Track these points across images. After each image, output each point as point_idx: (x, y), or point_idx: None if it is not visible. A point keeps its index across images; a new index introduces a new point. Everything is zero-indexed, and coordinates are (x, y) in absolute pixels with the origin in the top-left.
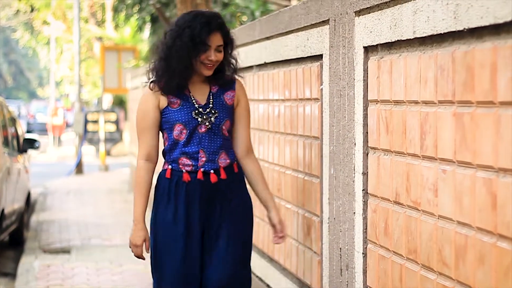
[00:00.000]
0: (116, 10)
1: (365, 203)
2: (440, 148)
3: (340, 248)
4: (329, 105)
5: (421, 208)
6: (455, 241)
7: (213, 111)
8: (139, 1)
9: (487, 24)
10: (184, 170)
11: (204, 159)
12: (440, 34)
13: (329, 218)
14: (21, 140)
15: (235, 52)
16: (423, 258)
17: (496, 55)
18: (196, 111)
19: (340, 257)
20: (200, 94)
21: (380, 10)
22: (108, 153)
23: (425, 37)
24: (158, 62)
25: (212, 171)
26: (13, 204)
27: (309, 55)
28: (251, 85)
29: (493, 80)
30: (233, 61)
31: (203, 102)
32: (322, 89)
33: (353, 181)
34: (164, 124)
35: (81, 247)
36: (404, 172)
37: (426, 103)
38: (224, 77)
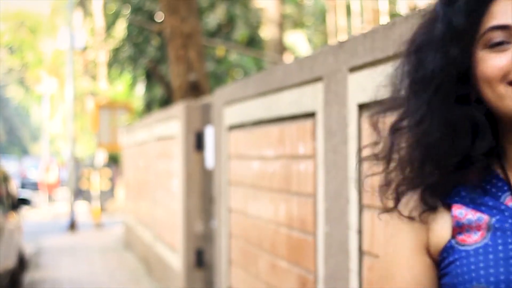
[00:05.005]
0: (110, 66)
1: (360, 261)
2: None
3: None
4: (324, 162)
5: None
6: None
7: None
8: (132, 57)
9: None
10: None
11: None
12: None
13: (324, 276)
14: (14, 198)
15: None
16: None
17: None
18: None
19: None
20: None
21: (373, 66)
22: (102, 209)
23: None
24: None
25: None
26: (5, 263)
27: (303, 112)
28: (244, 142)
29: None
30: None
31: None
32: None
33: (348, 239)
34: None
35: None
36: None
37: None
38: None
